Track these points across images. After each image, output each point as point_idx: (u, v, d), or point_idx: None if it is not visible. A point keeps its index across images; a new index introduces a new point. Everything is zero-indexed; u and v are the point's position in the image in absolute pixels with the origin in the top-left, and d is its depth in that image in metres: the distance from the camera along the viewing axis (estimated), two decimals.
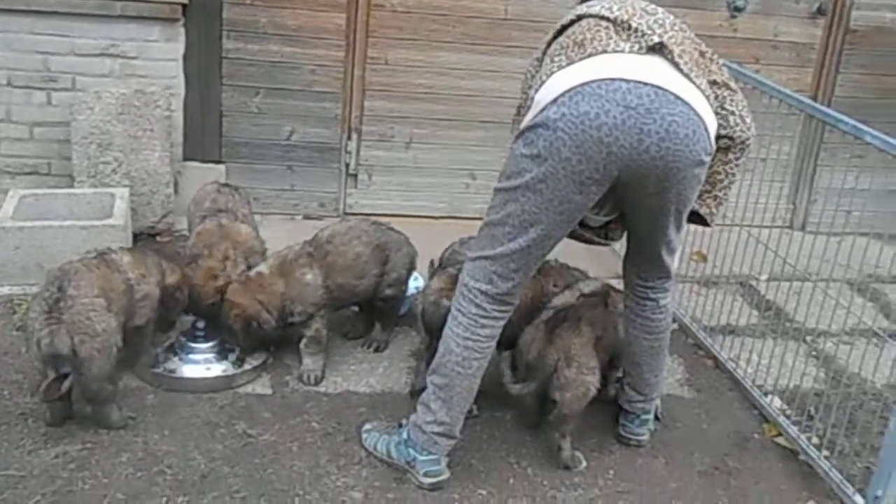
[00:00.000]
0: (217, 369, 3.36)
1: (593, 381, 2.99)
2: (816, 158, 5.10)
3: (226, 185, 3.92)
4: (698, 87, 2.54)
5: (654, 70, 2.49)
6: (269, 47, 4.48)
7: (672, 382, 3.64)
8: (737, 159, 2.75)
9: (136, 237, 4.24)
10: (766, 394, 3.54)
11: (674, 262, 2.93)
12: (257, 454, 2.98)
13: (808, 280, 3.52)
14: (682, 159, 2.51)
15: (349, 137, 4.79)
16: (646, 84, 2.45)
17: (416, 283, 3.84)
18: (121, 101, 4.21)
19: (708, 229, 2.97)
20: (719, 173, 2.75)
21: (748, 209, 3.76)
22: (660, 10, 2.64)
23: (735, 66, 3.58)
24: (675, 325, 3.90)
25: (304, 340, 3.39)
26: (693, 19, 4.00)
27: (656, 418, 3.31)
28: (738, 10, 4.84)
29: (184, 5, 4.32)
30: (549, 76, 2.54)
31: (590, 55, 2.51)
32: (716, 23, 4.85)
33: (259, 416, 3.17)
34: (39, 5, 4.17)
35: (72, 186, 4.27)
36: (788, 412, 3.41)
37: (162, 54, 4.35)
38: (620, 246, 3.11)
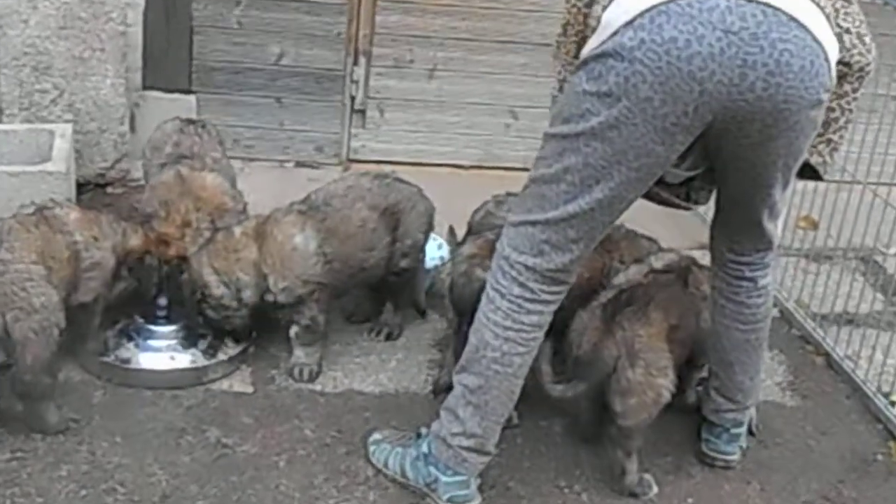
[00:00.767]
0: (183, 360, 3.35)
1: (665, 384, 2.97)
2: None
3: (191, 121, 3.92)
4: (816, 2, 2.50)
5: None
6: None
7: (771, 386, 3.63)
8: (854, 91, 2.73)
9: (81, 187, 4.23)
10: (893, 403, 3.51)
11: (776, 230, 2.91)
12: (234, 470, 2.97)
13: None
14: (796, 99, 2.47)
15: (355, 62, 4.77)
16: (750, 1, 2.41)
17: (440, 251, 3.83)
18: (63, 11, 4.17)
19: (820, 186, 3.02)
20: (833, 110, 2.73)
21: (872, 162, 3.73)
22: None
23: None
24: (776, 312, 3.86)
25: (294, 329, 3.37)
26: None
27: (750, 432, 3.31)
28: None
29: None
30: None
31: None
32: None
33: (237, 421, 3.17)
34: None
35: None
36: None
37: None
38: (706, 209, 3.08)
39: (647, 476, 3.07)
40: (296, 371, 3.38)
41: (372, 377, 3.45)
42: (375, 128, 4.88)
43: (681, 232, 3.78)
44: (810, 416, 3.51)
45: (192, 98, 4.63)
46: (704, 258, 3.13)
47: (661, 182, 2.77)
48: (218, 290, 3.29)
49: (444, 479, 2.88)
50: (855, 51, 2.65)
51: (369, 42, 4.75)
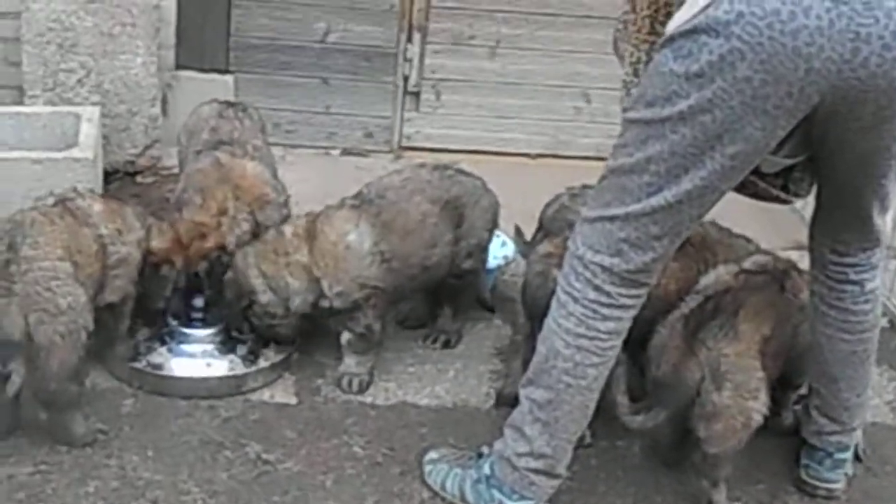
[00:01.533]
0: (221, 367, 3.38)
1: (756, 406, 2.94)
2: None
3: (231, 104, 3.94)
4: None
5: None
6: None
7: (880, 405, 3.60)
8: None
9: (109, 176, 4.27)
10: None
11: (886, 227, 2.89)
12: (276, 489, 2.99)
13: None
14: None
15: (409, 39, 4.79)
16: None
17: (503, 249, 3.82)
18: None
19: None
20: None
21: None
22: None
23: None
24: (885, 322, 3.81)
25: (347, 336, 3.38)
26: None
27: (856, 458, 3.28)
28: None
29: None
30: None
31: None
32: None
33: (279, 435, 3.19)
34: None
35: (21, 103, 4.31)
36: None
37: None
38: (805, 204, 3.09)
39: None
40: (344, 381, 3.40)
41: (427, 389, 3.47)
42: (431, 112, 4.89)
43: (775, 230, 3.76)
44: None
45: (229, 78, 4.67)
46: (803, 261, 3.11)
47: (755, 172, 2.75)
48: (264, 296, 3.31)
49: (509, 503, 2.87)
50: None
51: (424, 17, 4.77)
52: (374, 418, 3.30)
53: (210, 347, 3.41)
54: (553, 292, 2.87)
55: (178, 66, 4.61)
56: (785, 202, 2.99)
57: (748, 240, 3.32)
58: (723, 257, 3.22)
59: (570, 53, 4.83)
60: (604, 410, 2.94)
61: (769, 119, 2.48)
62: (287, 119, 4.74)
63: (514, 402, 2.94)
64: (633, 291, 2.75)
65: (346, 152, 4.83)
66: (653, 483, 3.15)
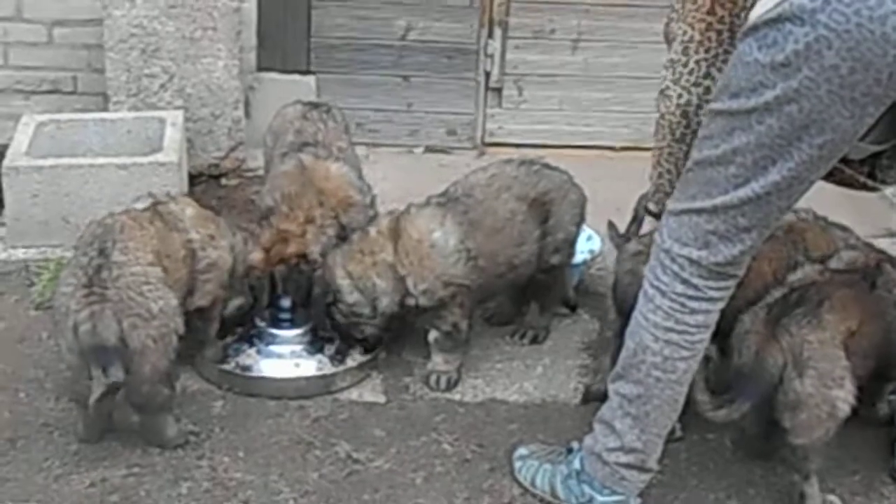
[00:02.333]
0: (309, 367, 3.42)
1: (842, 395, 2.90)
2: None
3: (315, 105, 3.97)
4: None
5: None
6: None
7: None
8: None
9: (193, 179, 4.34)
10: None
11: None
12: (366, 487, 3.02)
13: None
14: None
15: (490, 34, 4.80)
16: None
17: (589, 243, 3.82)
18: None
19: None
20: None
21: None
22: None
23: None
24: None
25: (434, 335, 3.41)
26: None
27: None
28: None
29: None
30: None
31: None
32: None
33: (368, 434, 3.22)
34: None
35: (106, 109, 4.39)
36: None
37: None
38: (894, 191, 3.07)
39: (833, 497, 3.03)
40: (432, 379, 3.43)
41: (516, 385, 3.48)
42: (513, 107, 4.90)
43: (863, 217, 3.66)
44: None
45: (311, 79, 4.71)
46: (893, 248, 3.11)
47: (841, 159, 2.71)
48: (351, 296, 3.34)
49: (600, 498, 2.89)
50: None
51: (505, 11, 4.77)
52: (462, 415, 3.32)
53: (298, 348, 3.45)
54: None
55: (260, 68, 4.67)
56: (872, 189, 2.94)
57: (845, 228, 3.28)
58: (814, 245, 3.19)
59: (652, 44, 4.72)
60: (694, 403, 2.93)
61: (857, 107, 2.45)
62: (369, 118, 4.77)
63: (602, 398, 2.95)
64: (722, 284, 2.74)
65: (429, 150, 4.85)
66: (745, 476, 3.14)
